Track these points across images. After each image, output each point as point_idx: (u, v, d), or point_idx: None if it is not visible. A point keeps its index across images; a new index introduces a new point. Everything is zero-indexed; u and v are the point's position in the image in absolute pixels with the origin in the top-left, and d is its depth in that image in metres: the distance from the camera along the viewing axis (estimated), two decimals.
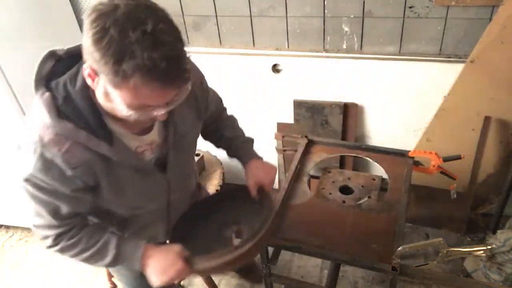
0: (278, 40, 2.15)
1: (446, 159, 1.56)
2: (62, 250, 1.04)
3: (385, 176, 1.63)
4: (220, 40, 2.23)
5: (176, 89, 0.84)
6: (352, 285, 2.10)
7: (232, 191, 1.39)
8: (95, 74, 0.81)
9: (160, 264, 1.02)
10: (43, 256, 2.45)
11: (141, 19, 0.75)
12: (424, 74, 2.01)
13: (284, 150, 2.42)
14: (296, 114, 2.31)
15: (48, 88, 0.90)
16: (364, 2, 1.91)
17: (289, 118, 2.35)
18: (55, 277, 2.32)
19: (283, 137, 2.31)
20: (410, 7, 1.87)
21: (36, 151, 0.89)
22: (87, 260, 1.05)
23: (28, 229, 2.61)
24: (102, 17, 0.75)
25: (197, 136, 1.25)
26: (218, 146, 1.41)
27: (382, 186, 1.62)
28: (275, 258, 1.51)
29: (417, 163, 1.64)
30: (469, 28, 1.85)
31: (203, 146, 2.45)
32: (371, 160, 1.69)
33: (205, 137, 1.40)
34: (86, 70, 0.82)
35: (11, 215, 2.50)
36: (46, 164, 0.89)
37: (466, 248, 1.27)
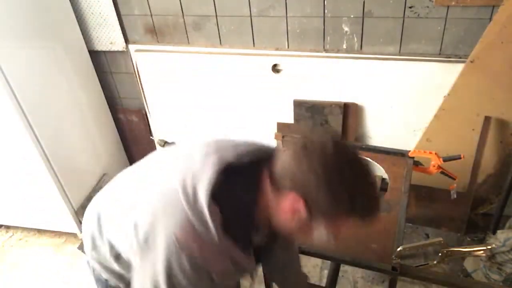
0: (278, 40, 2.15)
1: (446, 159, 1.56)
2: None
3: (385, 176, 1.63)
4: (220, 40, 2.23)
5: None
6: (352, 285, 2.10)
7: None
8: (306, 208, 0.82)
9: None
10: (43, 256, 2.45)
11: (364, 168, 0.85)
12: (424, 74, 2.01)
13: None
14: (296, 114, 2.31)
15: (216, 199, 0.85)
16: (364, 2, 1.91)
17: (289, 118, 2.35)
18: (55, 277, 2.32)
19: (283, 137, 2.31)
20: (410, 7, 1.87)
21: (190, 260, 0.84)
22: None
23: (28, 229, 2.61)
24: (333, 160, 0.80)
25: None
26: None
27: (382, 186, 1.62)
28: None
29: (417, 163, 1.64)
30: (469, 28, 1.85)
31: None
32: (371, 160, 1.69)
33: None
34: (290, 199, 0.83)
35: (11, 215, 2.50)
36: (200, 275, 0.86)
37: (466, 248, 1.27)
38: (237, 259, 0.89)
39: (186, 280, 0.85)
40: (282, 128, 2.39)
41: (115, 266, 1.05)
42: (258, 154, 0.93)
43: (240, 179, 0.89)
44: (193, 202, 0.84)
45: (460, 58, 1.91)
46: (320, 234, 0.85)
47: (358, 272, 2.15)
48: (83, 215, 1.35)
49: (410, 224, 2.34)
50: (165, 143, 2.68)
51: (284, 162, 0.85)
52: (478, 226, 2.26)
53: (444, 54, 1.95)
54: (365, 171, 0.85)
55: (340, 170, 0.80)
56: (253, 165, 0.91)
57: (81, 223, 1.50)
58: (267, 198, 0.88)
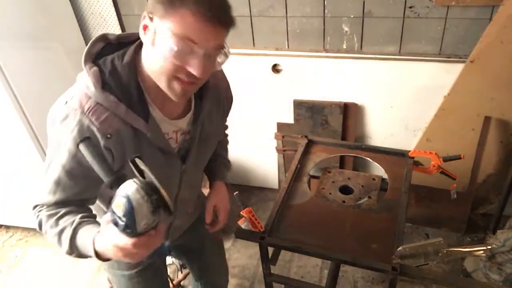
0: (278, 40, 2.15)
1: (446, 159, 1.56)
2: (40, 224, 1.01)
3: (385, 176, 1.63)
4: None
5: (221, 31, 0.87)
6: (352, 285, 2.11)
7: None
8: (149, 19, 0.88)
9: (113, 256, 0.87)
10: (43, 256, 2.45)
11: None
12: (424, 74, 2.01)
13: (284, 150, 2.42)
14: (296, 114, 2.31)
15: (95, 64, 0.95)
16: (364, 2, 1.91)
17: (289, 118, 2.35)
18: (55, 277, 2.32)
19: (283, 137, 2.31)
20: (410, 7, 1.87)
21: (74, 119, 0.91)
22: (54, 240, 0.99)
23: (28, 229, 2.61)
24: None
25: (218, 140, 1.28)
26: None
27: (382, 186, 1.62)
28: (275, 258, 1.51)
29: (417, 163, 1.64)
30: (469, 28, 1.85)
31: None
32: (371, 160, 1.69)
33: None
34: (142, 22, 0.90)
35: (11, 215, 2.50)
36: (82, 132, 0.90)
37: (466, 248, 1.27)
38: (128, 120, 0.93)
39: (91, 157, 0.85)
40: (282, 128, 2.39)
41: None
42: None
43: (118, 48, 0.98)
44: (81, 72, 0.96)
45: (460, 58, 1.91)
46: (166, 42, 0.85)
47: (358, 272, 2.15)
48: None
49: (410, 224, 2.34)
50: None
51: None
52: (478, 226, 2.26)
53: (444, 54, 1.96)
54: None
55: None
56: (134, 40, 0.99)
57: None
58: (144, 59, 0.94)
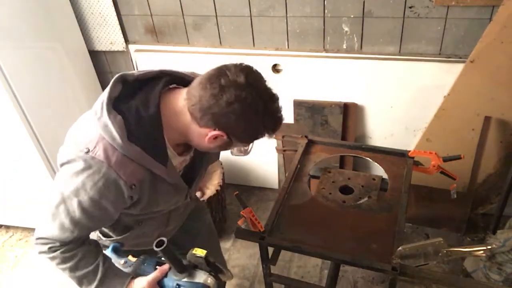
0: (278, 40, 2.15)
1: (446, 159, 1.56)
2: (53, 258, 1.05)
3: (385, 176, 1.63)
4: (220, 40, 2.23)
5: None
6: (352, 285, 2.10)
7: None
8: (226, 136, 0.96)
9: None
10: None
11: (264, 88, 1.00)
12: (424, 74, 2.01)
13: (284, 150, 2.42)
14: (296, 114, 2.31)
15: (118, 110, 0.94)
16: (364, 2, 1.91)
17: (289, 118, 2.35)
18: (55, 277, 2.32)
19: (283, 137, 2.30)
20: (410, 7, 1.87)
21: (101, 171, 0.91)
22: (73, 278, 1.07)
23: (28, 229, 2.61)
24: (242, 92, 0.91)
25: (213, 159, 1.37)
26: None
27: (382, 186, 1.62)
28: (275, 258, 1.51)
29: (417, 163, 1.64)
30: (469, 28, 1.85)
31: None
32: (371, 160, 1.69)
33: None
34: (209, 131, 0.94)
35: (11, 215, 2.50)
36: (108, 184, 0.92)
37: (466, 248, 1.26)
38: (151, 168, 0.96)
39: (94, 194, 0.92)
40: (282, 128, 2.38)
41: None
42: (157, 73, 1.01)
43: (140, 91, 0.98)
44: (100, 115, 0.93)
45: (460, 58, 1.91)
46: (236, 149, 1.03)
47: (358, 272, 2.15)
48: None
49: (410, 224, 2.34)
50: None
51: (202, 97, 0.91)
52: (478, 226, 2.26)
53: (444, 54, 1.96)
54: (270, 94, 0.98)
55: (253, 103, 0.91)
56: (153, 80, 0.99)
57: None
58: (171, 111, 0.97)
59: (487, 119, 1.93)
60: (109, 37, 2.38)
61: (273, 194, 2.67)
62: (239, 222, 1.37)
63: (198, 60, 2.29)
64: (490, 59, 1.79)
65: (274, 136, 1.01)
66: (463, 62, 1.87)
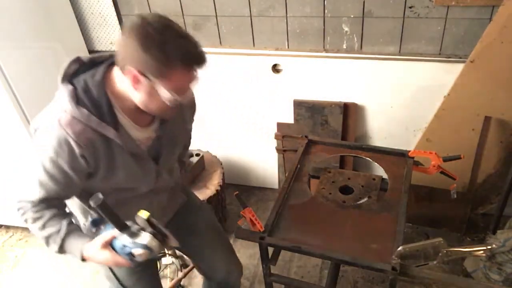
0: (278, 40, 2.15)
1: (446, 159, 1.56)
2: (26, 221, 1.20)
3: (385, 176, 1.63)
4: (220, 40, 2.23)
5: (201, 68, 1.06)
6: (352, 285, 2.11)
7: None
8: (141, 74, 1.01)
9: (98, 261, 1.14)
10: (43, 256, 2.45)
11: (170, 26, 1.01)
12: (424, 74, 2.01)
13: (284, 150, 2.42)
14: (296, 114, 2.31)
15: (71, 83, 1.11)
16: (364, 2, 1.91)
17: (289, 118, 2.35)
18: (55, 277, 2.32)
19: (283, 137, 2.31)
20: (410, 7, 1.87)
21: (54, 131, 1.06)
22: (41, 238, 1.18)
23: (28, 229, 2.60)
24: (141, 28, 0.98)
25: (184, 142, 1.46)
26: None
27: (382, 186, 1.62)
28: (275, 258, 1.51)
29: (417, 163, 1.64)
30: (469, 28, 1.85)
31: (203, 146, 2.46)
32: (371, 160, 1.69)
33: None
34: (129, 74, 1.02)
35: (11, 215, 2.50)
36: (60, 142, 1.06)
37: (466, 248, 1.26)
38: (99, 129, 1.08)
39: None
40: (282, 128, 2.39)
41: None
42: (110, 55, 1.14)
43: (91, 67, 1.14)
44: (58, 88, 1.11)
45: (460, 58, 1.91)
46: (166, 94, 1.03)
47: (358, 272, 2.15)
48: None
49: (410, 224, 2.34)
50: None
51: (118, 47, 1.04)
52: (478, 226, 2.26)
53: (444, 54, 1.96)
54: (177, 30, 1.02)
55: (147, 33, 0.98)
56: (107, 60, 1.14)
57: None
58: (116, 80, 1.10)
59: (487, 119, 1.93)
60: (109, 37, 2.38)
61: (273, 194, 2.67)
62: (239, 222, 1.37)
63: None
64: (490, 59, 1.79)
65: (195, 72, 1.05)
66: (463, 62, 1.87)
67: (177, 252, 2.20)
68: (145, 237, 1.03)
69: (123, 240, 1.06)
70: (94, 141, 1.09)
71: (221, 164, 2.39)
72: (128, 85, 1.06)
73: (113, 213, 1.03)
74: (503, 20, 1.69)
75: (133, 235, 1.05)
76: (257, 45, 2.20)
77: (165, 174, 1.34)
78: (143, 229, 1.05)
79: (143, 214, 1.01)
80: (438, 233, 2.28)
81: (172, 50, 0.98)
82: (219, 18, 2.16)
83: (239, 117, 2.46)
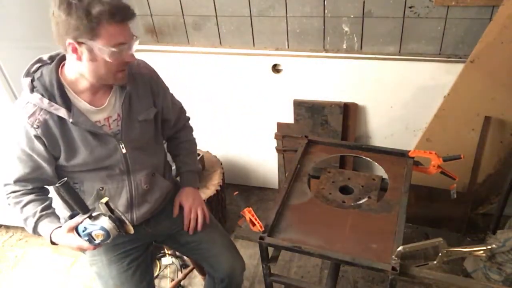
0: (278, 40, 2.15)
1: (446, 159, 1.56)
2: (9, 204, 1.31)
3: (385, 176, 1.63)
4: (220, 40, 2.23)
5: (129, 21, 1.15)
6: (352, 285, 2.11)
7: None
8: (77, 42, 1.10)
9: (64, 244, 1.24)
10: (43, 256, 2.45)
11: None
12: (424, 74, 2.01)
13: (284, 150, 2.43)
14: (296, 114, 2.31)
15: (32, 77, 1.23)
16: (364, 2, 1.91)
17: (289, 118, 2.35)
18: (55, 277, 2.32)
19: (283, 137, 2.31)
20: (410, 7, 1.87)
21: (15, 118, 1.21)
22: (22, 220, 1.30)
23: None
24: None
25: (153, 120, 1.44)
26: (173, 159, 1.68)
27: (382, 186, 1.62)
28: (275, 258, 1.51)
29: (417, 163, 1.64)
30: (469, 28, 1.85)
31: (203, 146, 2.46)
32: (371, 160, 1.69)
33: (167, 149, 1.65)
34: (69, 47, 1.12)
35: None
36: (18, 126, 1.20)
37: (466, 248, 1.26)
38: (52, 111, 1.18)
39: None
40: (282, 128, 2.39)
41: None
42: None
43: (50, 62, 1.25)
44: None
45: (460, 58, 1.91)
46: (103, 52, 1.11)
47: (358, 272, 2.15)
48: None
49: (410, 224, 2.34)
50: None
51: (52, 25, 1.12)
52: (478, 226, 2.26)
53: (444, 54, 1.96)
54: None
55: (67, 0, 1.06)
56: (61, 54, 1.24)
57: None
58: (67, 66, 1.21)
59: (487, 119, 1.93)
60: None
61: (273, 194, 2.67)
62: (239, 222, 1.37)
63: (198, 60, 2.29)
64: (490, 59, 1.79)
65: (125, 25, 1.13)
66: (463, 62, 1.87)
67: (177, 252, 2.20)
68: (103, 220, 1.16)
69: (84, 223, 1.17)
70: (48, 121, 1.19)
71: (221, 164, 2.39)
72: (74, 62, 1.16)
73: (77, 196, 1.15)
74: (503, 20, 1.69)
75: (94, 218, 1.17)
76: (257, 45, 2.20)
77: (135, 152, 1.36)
78: (104, 214, 1.16)
79: (103, 199, 1.14)
80: (438, 233, 2.28)
81: (92, 7, 1.06)
82: (219, 18, 2.16)
83: (239, 117, 2.46)
